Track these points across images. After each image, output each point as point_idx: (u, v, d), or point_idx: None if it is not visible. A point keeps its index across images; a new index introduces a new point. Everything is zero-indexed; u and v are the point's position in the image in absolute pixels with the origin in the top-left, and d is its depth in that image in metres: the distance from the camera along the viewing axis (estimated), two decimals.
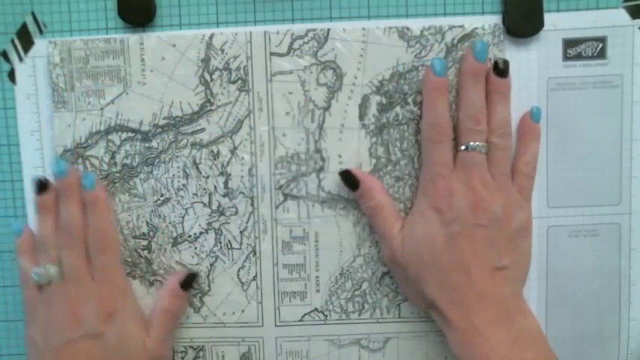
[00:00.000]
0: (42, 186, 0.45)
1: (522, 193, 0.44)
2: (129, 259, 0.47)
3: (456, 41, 0.45)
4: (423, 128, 0.44)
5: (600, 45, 0.46)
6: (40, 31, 0.46)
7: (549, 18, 0.45)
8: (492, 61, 0.44)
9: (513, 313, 0.42)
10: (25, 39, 0.46)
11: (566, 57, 0.46)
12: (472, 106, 0.43)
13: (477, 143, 0.42)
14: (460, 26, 0.45)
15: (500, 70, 0.43)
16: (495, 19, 0.46)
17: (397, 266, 0.45)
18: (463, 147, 0.43)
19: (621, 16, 0.45)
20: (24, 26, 0.46)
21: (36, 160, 0.47)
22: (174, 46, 0.46)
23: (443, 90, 0.43)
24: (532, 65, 0.46)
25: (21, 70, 0.47)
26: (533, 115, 0.45)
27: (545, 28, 0.45)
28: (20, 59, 0.47)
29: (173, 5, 0.46)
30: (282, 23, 0.46)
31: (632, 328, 0.47)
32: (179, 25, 0.46)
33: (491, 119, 0.43)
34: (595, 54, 0.46)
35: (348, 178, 0.45)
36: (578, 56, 0.46)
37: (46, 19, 0.46)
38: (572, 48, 0.46)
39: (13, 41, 0.46)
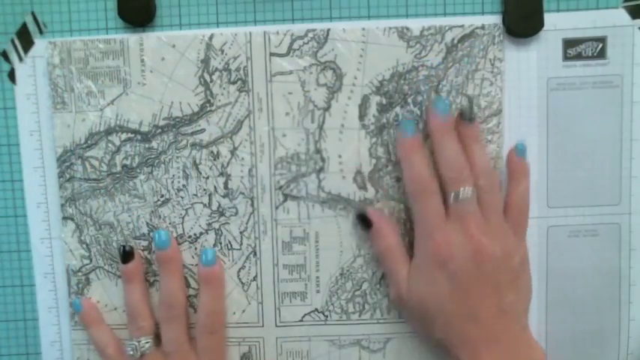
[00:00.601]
0: (128, 255, 0.46)
1: (517, 230, 0.44)
2: None
3: (456, 41, 0.45)
4: (405, 184, 0.44)
5: (600, 45, 0.46)
6: (40, 31, 0.46)
7: (549, 18, 0.45)
8: (458, 110, 0.44)
9: (522, 350, 0.43)
10: (25, 39, 0.46)
11: (566, 57, 0.46)
12: (449, 159, 0.43)
13: (465, 189, 0.42)
14: (460, 26, 0.45)
15: (467, 117, 0.44)
16: (495, 19, 0.45)
17: (403, 308, 0.45)
18: (453, 197, 0.42)
19: (621, 16, 0.45)
20: (24, 26, 0.46)
21: (36, 160, 0.47)
22: (173, 46, 0.46)
23: (416, 148, 0.44)
24: (532, 65, 0.46)
25: (21, 70, 0.47)
26: (518, 151, 0.45)
27: (545, 28, 0.45)
28: (20, 59, 0.47)
29: (173, 5, 0.46)
30: (282, 23, 0.46)
31: (632, 328, 0.47)
32: (179, 25, 0.46)
33: (472, 165, 0.43)
34: (595, 54, 0.46)
35: (363, 218, 0.46)
36: (578, 56, 0.46)
37: (46, 19, 0.46)
38: (572, 48, 0.46)
39: (13, 41, 0.46)
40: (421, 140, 0.44)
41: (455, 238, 0.42)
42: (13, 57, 0.47)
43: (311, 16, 0.46)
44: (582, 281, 0.47)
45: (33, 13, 0.46)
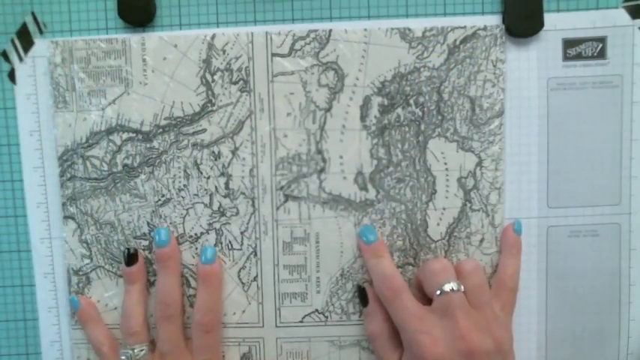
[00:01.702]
0: (132, 258, 0.46)
1: (505, 308, 0.44)
2: None
3: (458, 42, 0.45)
4: (377, 289, 0.44)
5: (600, 45, 0.46)
6: (40, 31, 0.46)
7: (549, 18, 0.45)
8: None
9: None
10: (25, 39, 0.46)
11: (566, 57, 0.46)
12: (430, 262, 0.44)
13: (451, 284, 0.42)
14: (462, 27, 0.45)
15: None
16: (495, 19, 0.46)
17: None
18: (438, 292, 0.42)
19: (621, 16, 0.46)
20: (24, 26, 0.46)
21: (36, 160, 0.47)
22: (175, 46, 0.46)
23: (381, 251, 0.45)
24: (532, 65, 0.46)
25: (21, 70, 0.47)
26: (515, 229, 0.46)
27: (545, 28, 0.45)
28: (20, 59, 0.46)
29: (173, 5, 0.46)
30: (283, 23, 0.46)
31: (632, 328, 0.47)
32: (179, 25, 0.46)
33: (457, 268, 0.43)
34: (595, 54, 0.46)
35: (362, 294, 0.46)
36: (578, 56, 0.46)
37: (46, 19, 0.46)
38: (572, 48, 0.46)
39: (13, 41, 0.46)
40: (384, 243, 0.46)
41: (443, 337, 0.41)
42: (13, 57, 0.47)
43: (311, 16, 0.46)
44: (582, 281, 0.47)
45: (33, 13, 0.46)
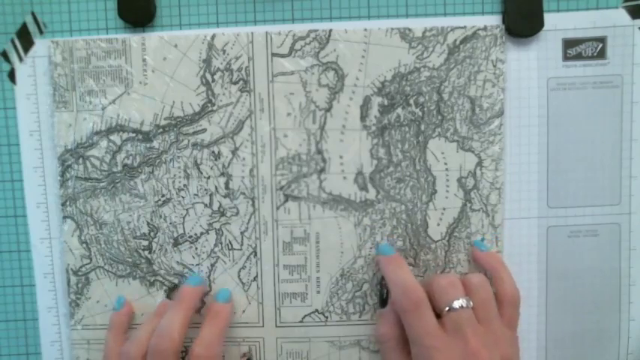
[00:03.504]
0: (171, 291, 0.47)
1: (511, 323, 0.43)
2: (129, 259, 0.47)
3: (458, 42, 0.45)
4: (395, 303, 0.42)
5: (600, 45, 0.46)
6: (40, 31, 0.46)
7: (549, 18, 0.45)
8: None
9: None
10: (25, 39, 0.46)
11: (566, 57, 0.46)
12: (439, 276, 0.43)
13: (460, 301, 0.41)
14: (462, 27, 0.45)
15: None
16: (495, 19, 0.46)
17: None
18: (447, 308, 0.41)
19: (621, 16, 0.46)
20: (24, 26, 0.46)
21: (36, 160, 0.47)
22: (175, 46, 0.46)
23: (399, 262, 0.44)
24: (532, 65, 0.46)
25: (21, 70, 0.47)
26: (476, 247, 0.46)
27: (545, 28, 0.45)
28: (20, 59, 0.47)
29: (173, 5, 0.46)
30: (283, 23, 0.46)
31: (632, 328, 0.47)
32: (179, 25, 0.46)
33: (465, 281, 0.43)
34: (595, 54, 0.46)
35: (383, 295, 0.46)
36: (578, 56, 0.46)
37: (46, 19, 0.46)
38: (572, 48, 0.46)
39: (13, 41, 0.46)
40: (400, 257, 0.45)
41: (455, 355, 0.40)
42: (13, 57, 0.47)
43: (311, 16, 0.46)
44: (582, 281, 0.47)
45: (33, 13, 0.46)
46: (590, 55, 0.46)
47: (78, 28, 0.46)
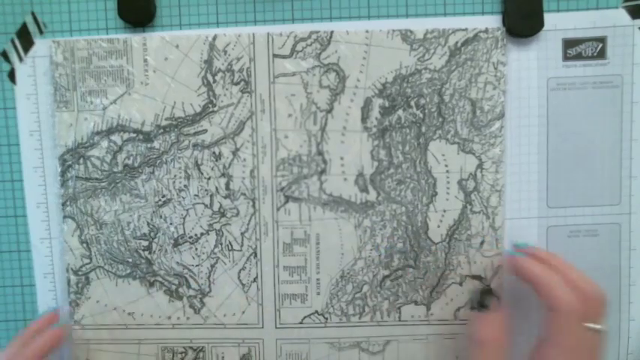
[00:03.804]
0: None
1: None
2: (129, 260, 0.47)
3: (459, 45, 0.45)
4: (568, 305, 0.39)
5: (600, 45, 0.46)
6: (40, 31, 0.46)
7: (549, 18, 0.45)
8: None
9: None
10: (25, 39, 0.46)
11: (566, 57, 0.46)
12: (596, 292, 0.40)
13: (602, 326, 0.39)
14: (464, 30, 0.45)
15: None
16: (495, 19, 0.46)
17: None
18: (589, 325, 0.39)
19: (621, 16, 0.46)
20: (24, 26, 0.46)
21: (36, 160, 0.47)
22: (177, 47, 0.46)
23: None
24: (532, 65, 0.46)
25: (21, 70, 0.47)
26: (519, 252, 0.44)
27: (545, 28, 0.45)
28: (20, 59, 0.46)
29: (173, 5, 0.46)
30: (283, 23, 0.46)
31: (632, 328, 0.47)
32: (179, 25, 0.46)
33: (578, 289, 0.40)
34: (595, 54, 0.46)
35: (486, 296, 0.45)
36: (578, 56, 0.46)
37: (46, 19, 0.46)
38: (572, 48, 0.46)
39: (13, 41, 0.46)
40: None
41: None
42: (13, 57, 0.47)
43: (311, 16, 0.46)
44: None
45: (33, 13, 0.46)
46: (590, 55, 0.46)
47: (78, 28, 0.46)
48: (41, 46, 0.46)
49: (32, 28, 0.46)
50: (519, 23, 0.45)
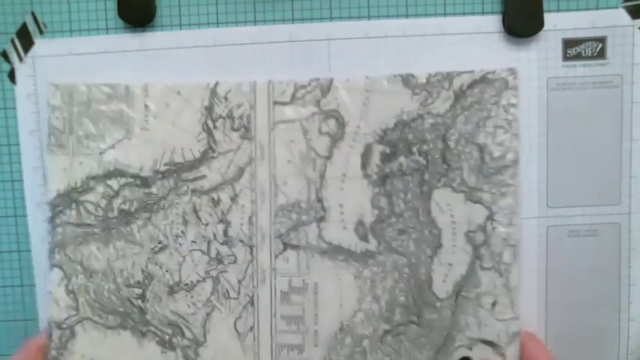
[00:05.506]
0: None
1: None
2: (120, 309, 0.46)
3: (465, 87, 0.44)
4: None
5: (600, 45, 0.46)
6: (40, 31, 0.46)
7: (549, 18, 0.45)
8: None
9: None
10: (25, 39, 0.46)
11: (566, 57, 0.46)
12: None
13: None
14: (470, 72, 0.44)
15: None
16: (495, 20, 0.46)
17: None
18: None
19: (621, 16, 0.46)
20: (24, 26, 0.46)
21: (36, 160, 0.47)
22: (179, 93, 0.45)
23: None
24: (532, 65, 0.46)
25: (21, 70, 0.47)
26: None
27: (545, 28, 0.45)
28: (20, 59, 0.47)
29: (173, 5, 0.46)
30: (282, 23, 0.46)
31: (632, 328, 0.47)
32: (179, 25, 0.46)
33: None
34: (595, 54, 0.46)
35: None
36: (578, 56, 0.46)
37: (46, 19, 0.46)
38: (572, 48, 0.46)
39: (13, 41, 0.46)
40: None
41: None
42: (13, 57, 0.47)
43: (311, 16, 0.46)
44: (582, 281, 0.47)
45: (33, 13, 0.46)
46: (590, 55, 0.46)
47: (78, 28, 0.46)
48: (41, 46, 0.46)
49: (32, 28, 0.46)
50: (519, 23, 0.45)
